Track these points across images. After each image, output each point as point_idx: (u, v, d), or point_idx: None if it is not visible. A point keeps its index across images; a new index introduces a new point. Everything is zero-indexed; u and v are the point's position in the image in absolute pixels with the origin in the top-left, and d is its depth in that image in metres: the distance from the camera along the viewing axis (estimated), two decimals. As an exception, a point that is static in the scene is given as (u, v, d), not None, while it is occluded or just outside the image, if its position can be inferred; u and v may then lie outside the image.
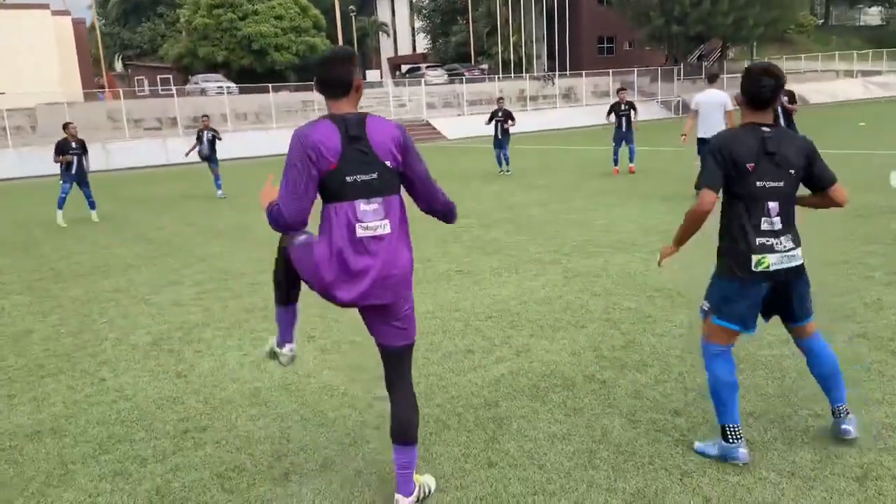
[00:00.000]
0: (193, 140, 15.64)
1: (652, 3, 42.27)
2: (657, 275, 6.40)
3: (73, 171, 12.25)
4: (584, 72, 42.85)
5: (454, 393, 4.23)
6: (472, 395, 4.17)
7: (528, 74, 43.51)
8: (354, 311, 2.92)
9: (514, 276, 6.91)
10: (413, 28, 68.40)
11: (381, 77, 52.94)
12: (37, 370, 5.08)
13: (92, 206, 12.68)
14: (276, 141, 30.11)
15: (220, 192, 15.28)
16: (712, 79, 11.22)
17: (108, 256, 9.41)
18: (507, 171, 16.16)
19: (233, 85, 37.46)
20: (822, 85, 49.02)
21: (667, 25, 42.35)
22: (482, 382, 4.36)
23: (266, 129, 32.81)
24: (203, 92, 37.48)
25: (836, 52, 55.41)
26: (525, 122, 36.71)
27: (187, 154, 15.56)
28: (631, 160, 14.88)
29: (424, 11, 56.65)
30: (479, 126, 35.29)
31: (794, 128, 12.56)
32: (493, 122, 16.31)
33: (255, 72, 45.93)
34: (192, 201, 15.20)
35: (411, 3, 67.76)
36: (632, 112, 14.78)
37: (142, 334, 5.79)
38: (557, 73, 43.63)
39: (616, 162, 15.05)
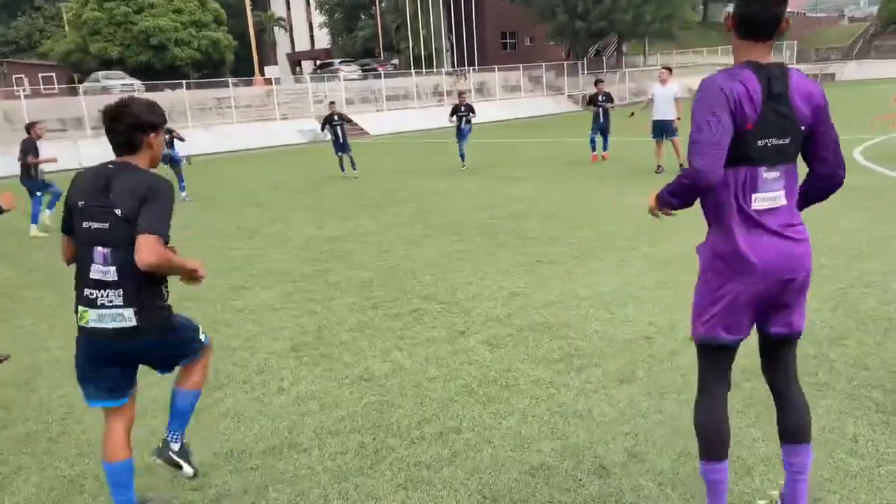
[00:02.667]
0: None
1: (556, 0, 43.64)
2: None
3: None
4: (496, 66, 43.67)
5: None
6: None
7: (443, 70, 43.90)
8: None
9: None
10: (311, 23, 67.30)
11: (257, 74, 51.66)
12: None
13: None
14: (194, 140, 28.98)
15: (184, 193, 14.69)
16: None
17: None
18: (463, 165, 16.39)
19: (137, 82, 35.61)
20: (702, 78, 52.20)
21: (570, 21, 43.85)
22: None
23: (181, 128, 31.41)
24: (105, 90, 35.40)
25: (718, 48, 59.21)
26: (442, 117, 37.13)
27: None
28: (605, 148, 15.57)
29: (327, 6, 55.82)
30: (400, 122, 35.59)
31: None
32: (457, 117, 16.45)
33: (153, 68, 43.87)
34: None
35: (309, -2, 66.69)
36: (610, 103, 15.43)
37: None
38: (468, 67, 44.24)
39: (594, 148, 15.70)
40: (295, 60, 64.02)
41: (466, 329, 5.42)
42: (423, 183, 14.65)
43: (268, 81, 40.05)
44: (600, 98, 15.44)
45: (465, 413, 4.03)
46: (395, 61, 44.86)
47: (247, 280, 7.47)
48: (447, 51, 48.02)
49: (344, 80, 38.64)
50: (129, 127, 2.79)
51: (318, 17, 60.78)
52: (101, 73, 39.73)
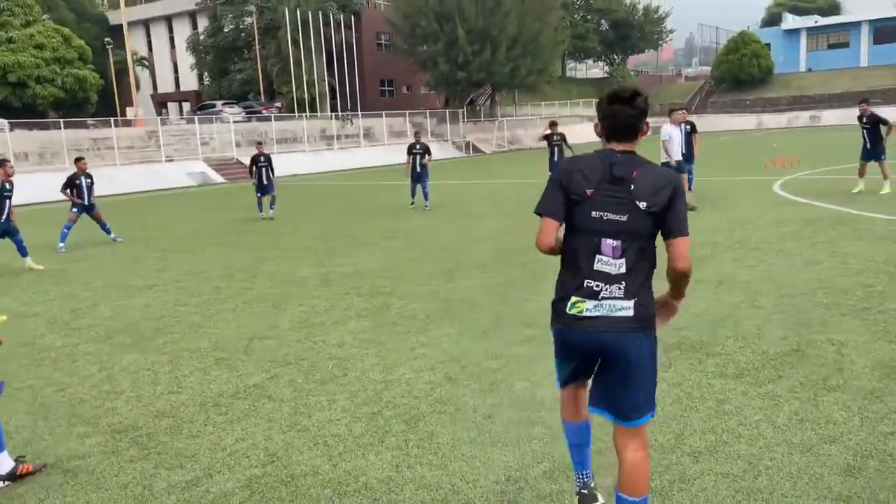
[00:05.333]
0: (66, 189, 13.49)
1: (438, 50, 45.01)
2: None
3: None
4: (383, 112, 44.16)
5: None
6: None
7: (328, 114, 43.77)
8: None
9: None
10: (175, 64, 64.89)
11: (137, 114, 49.25)
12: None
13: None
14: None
15: (112, 235, 13.73)
16: (671, 113, 13.13)
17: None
18: (426, 205, 16.27)
19: (3, 121, 32.58)
20: (572, 128, 55.71)
21: (452, 71, 45.35)
22: None
23: (56, 171, 29.06)
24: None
25: (580, 100, 63.42)
26: (334, 161, 36.98)
27: (74, 209, 13.50)
28: None
29: (201, 48, 54.12)
30: (290, 165, 34.89)
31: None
32: (411, 156, 16.52)
33: (9, 106, 40.37)
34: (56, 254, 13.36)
35: (172, 38, 64.37)
36: (563, 143, 16.16)
37: (370, 368, 5.42)
38: (356, 112, 44.44)
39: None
40: (160, 102, 61.32)
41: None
42: (396, 221, 14.61)
43: (154, 122, 38.12)
44: (555, 138, 16.20)
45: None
46: (279, 104, 44.17)
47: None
48: (329, 96, 47.95)
49: (222, 121, 37.51)
50: (641, 113, 2.77)
51: (187, 58, 58.76)
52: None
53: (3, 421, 4.79)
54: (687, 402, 4.44)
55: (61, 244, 13.06)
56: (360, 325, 6.74)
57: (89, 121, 36.92)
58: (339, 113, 44.11)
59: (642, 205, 2.70)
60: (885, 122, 13.56)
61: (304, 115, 40.93)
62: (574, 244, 2.83)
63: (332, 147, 39.47)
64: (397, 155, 40.47)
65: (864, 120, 13.65)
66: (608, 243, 2.73)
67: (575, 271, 2.81)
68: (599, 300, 2.75)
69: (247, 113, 40.85)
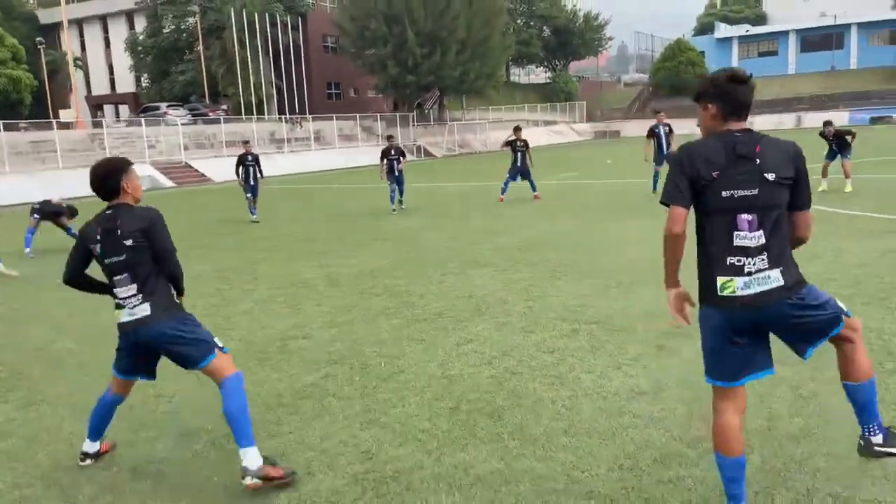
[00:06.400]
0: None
1: (387, 53, 44.86)
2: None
3: None
4: (333, 115, 43.73)
5: None
6: None
7: (274, 116, 43.08)
8: None
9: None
10: (111, 65, 62.82)
11: (78, 117, 47.48)
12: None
13: None
14: (13, 188, 25.85)
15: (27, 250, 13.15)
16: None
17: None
18: (402, 206, 16.29)
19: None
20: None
21: (401, 75, 45.25)
22: None
23: (-4, 175, 27.76)
24: None
25: (525, 105, 64.24)
26: (284, 164, 36.34)
27: (35, 214, 12.86)
28: (534, 189, 16.30)
29: (140, 48, 52.49)
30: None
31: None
32: (386, 161, 16.39)
33: (-64, 107, 38.35)
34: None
35: (107, 38, 62.28)
36: (526, 148, 16.24)
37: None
38: (307, 115, 43.88)
39: (503, 191, 16.40)
40: (96, 104, 59.20)
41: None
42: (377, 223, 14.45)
43: (97, 124, 36.75)
44: (519, 144, 16.30)
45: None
46: (225, 107, 43.23)
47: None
48: (275, 98, 47.16)
49: (167, 124, 36.46)
50: (753, 92, 2.97)
51: (124, 59, 56.96)
52: None
53: (53, 428, 4.56)
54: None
55: (27, 249, 12.48)
56: (392, 323, 6.65)
57: (22, 123, 35.28)
58: (289, 115, 43.45)
59: (770, 176, 2.82)
60: (850, 133, 14.32)
61: (253, 117, 40.19)
62: (708, 226, 2.90)
63: (282, 150, 38.81)
64: (349, 158, 40.29)
65: (832, 139, 14.40)
66: (743, 218, 2.82)
67: (715, 251, 2.88)
68: (747, 275, 2.82)
69: (193, 115, 39.84)
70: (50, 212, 12.86)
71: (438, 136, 49.54)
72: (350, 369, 5.41)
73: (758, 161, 2.82)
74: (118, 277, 3.65)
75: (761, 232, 2.82)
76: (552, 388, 4.77)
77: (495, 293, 7.59)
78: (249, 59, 43.46)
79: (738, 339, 2.91)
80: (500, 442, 4.01)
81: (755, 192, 2.80)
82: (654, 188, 15.75)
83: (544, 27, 73.09)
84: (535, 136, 57.13)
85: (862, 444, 3.21)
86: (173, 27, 49.75)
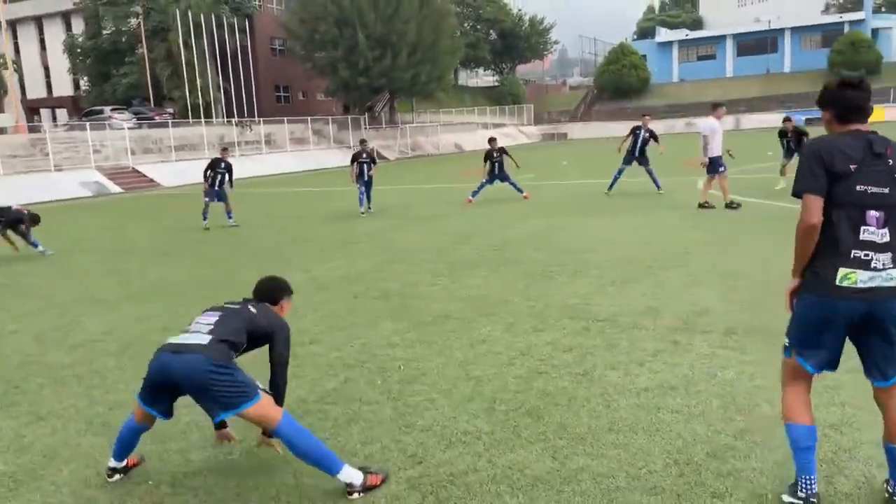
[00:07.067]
0: None
1: (338, 56, 44.46)
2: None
3: None
4: (285, 119, 43.10)
5: None
6: None
7: (231, 120, 42.21)
8: None
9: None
10: (47, 68, 60.61)
11: (18, 121, 45.70)
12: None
13: None
14: (-46, 193, 24.64)
15: (39, 248, 12.67)
16: (714, 107, 13.09)
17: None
18: (370, 209, 16.19)
19: None
20: (468, 136, 56.70)
21: (353, 77, 44.91)
22: None
23: (-70, 181, 26.44)
24: None
25: (475, 108, 64.54)
26: (235, 168, 35.46)
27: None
28: (521, 191, 16.48)
29: (79, 50, 50.73)
30: (190, 173, 33.06)
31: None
32: (356, 164, 16.20)
33: None
34: None
35: (42, 41, 60.08)
36: (503, 157, 16.41)
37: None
38: (257, 119, 43.13)
39: (475, 194, 16.52)
40: (32, 108, 57.01)
41: (660, 338, 5.68)
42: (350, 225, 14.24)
43: (34, 129, 35.38)
44: (495, 154, 16.46)
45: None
46: (171, 110, 42.12)
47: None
48: (222, 102, 46.16)
49: (112, 128, 35.27)
50: (870, 94, 3.00)
51: (61, 62, 55.01)
52: None
53: (70, 443, 4.36)
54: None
55: None
56: (397, 326, 6.56)
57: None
58: (238, 119, 42.64)
59: None
60: (805, 134, 14.83)
61: (202, 121, 39.31)
62: (835, 217, 2.93)
63: (233, 154, 37.90)
64: (301, 162, 39.76)
65: (789, 135, 14.88)
66: (872, 214, 2.88)
67: (837, 242, 2.92)
68: (872, 270, 2.88)
69: (138, 119, 38.72)
70: (11, 219, 12.29)
71: (391, 139, 49.36)
72: (369, 373, 5.31)
73: (891, 161, 2.90)
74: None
75: (886, 230, 2.90)
76: (582, 386, 4.78)
77: (494, 294, 7.57)
78: (196, 62, 42.47)
79: (838, 330, 2.99)
80: (546, 441, 3.99)
81: (886, 190, 2.88)
82: (610, 188, 16.15)
83: (491, 31, 73.61)
84: (484, 139, 57.54)
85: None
86: (114, 28, 48.20)
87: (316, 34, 44.65)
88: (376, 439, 4.15)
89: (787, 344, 3.18)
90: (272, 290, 4.09)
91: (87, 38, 50.17)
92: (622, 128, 65.33)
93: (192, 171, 33.23)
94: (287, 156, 40.51)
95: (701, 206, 13.02)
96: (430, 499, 3.47)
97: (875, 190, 2.88)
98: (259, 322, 3.78)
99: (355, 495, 3.48)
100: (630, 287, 7.48)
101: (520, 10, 75.61)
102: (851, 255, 2.89)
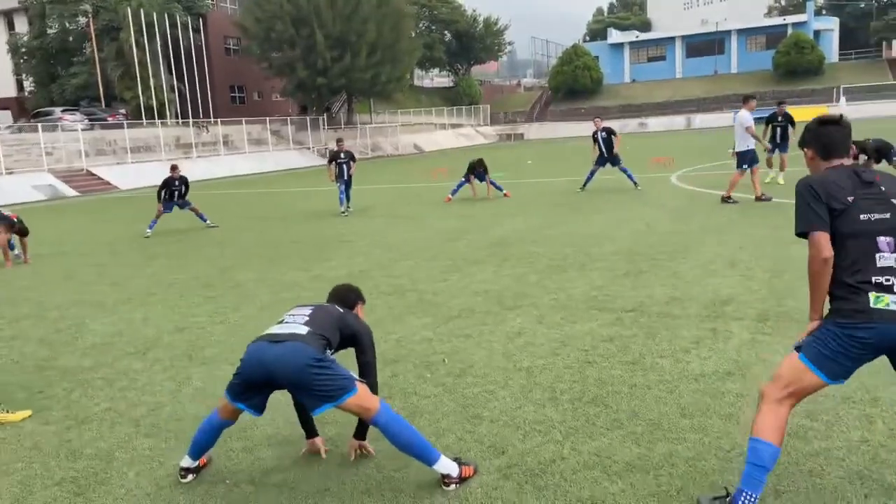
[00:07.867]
0: None
1: (296, 56, 43.92)
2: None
3: None
4: (243, 119, 42.34)
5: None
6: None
7: (188, 121, 41.25)
8: None
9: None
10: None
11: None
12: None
13: None
14: None
15: (15, 251, 12.20)
16: (746, 100, 12.90)
17: None
18: (349, 208, 15.98)
19: None
20: (427, 136, 56.71)
21: (311, 77, 44.41)
22: None
23: None
24: None
25: (433, 109, 64.51)
26: (194, 170, 34.68)
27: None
28: (500, 189, 16.72)
29: (23, 50, 48.93)
30: (147, 175, 32.10)
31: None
32: (334, 164, 15.97)
33: None
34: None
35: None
36: (485, 172, 16.66)
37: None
38: (218, 119, 42.25)
39: (454, 192, 16.60)
40: (-28, 110, 54.74)
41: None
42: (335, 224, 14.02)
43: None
44: (479, 170, 16.64)
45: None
46: (123, 111, 40.96)
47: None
48: (176, 102, 45.07)
49: (63, 129, 34.10)
50: (850, 131, 3.13)
51: (4, 63, 52.99)
52: None
53: (124, 446, 4.18)
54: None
55: None
56: (424, 321, 6.49)
57: None
58: (194, 119, 41.71)
59: None
60: (793, 123, 15.17)
61: (158, 122, 38.34)
62: (847, 249, 2.92)
63: (190, 156, 37.15)
64: (260, 164, 39.14)
65: (780, 119, 15.19)
66: (883, 241, 2.90)
67: (856, 273, 2.88)
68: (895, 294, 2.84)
69: (90, 120, 37.54)
70: None
71: (350, 139, 48.85)
72: (414, 367, 5.24)
73: (882, 188, 2.96)
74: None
75: None
76: (637, 374, 4.79)
77: (509, 288, 7.55)
78: (148, 61, 41.40)
79: (868, 356, 2.91)
80: (623, 428, 3.98)
81: (887, 215, 2.92)
82: (584, 187, 16.46)
83: (446, 32, 73.72)
84: (443, 139, 57.72)
85: None
86: (60, 28, 46.63)
87: (272, 33, 44.04)
88: (448, 431, 4.09)
89: (801, 353, 3.01)
90: (349, 294, 4.08)
91: (32, 37, 48.44)
92: (577, 128, 66.03)
93: (149, 174, 32.39)
94: (245, 157, 39.86)
95: (758, 199, 12.65)
96: (526, 487, 3.42)
97: (878, 216, 2.91)
98: (348, 321, 3.74)
99: (452, 486, 3.42)
100: (645, 278, 7.55)
101: (474, 10, 75.93)
102: (874, 281, 2.85)
